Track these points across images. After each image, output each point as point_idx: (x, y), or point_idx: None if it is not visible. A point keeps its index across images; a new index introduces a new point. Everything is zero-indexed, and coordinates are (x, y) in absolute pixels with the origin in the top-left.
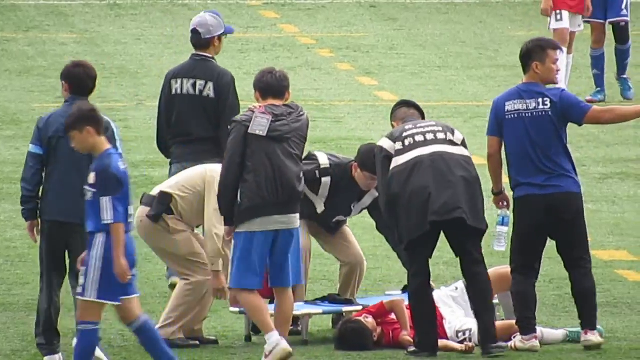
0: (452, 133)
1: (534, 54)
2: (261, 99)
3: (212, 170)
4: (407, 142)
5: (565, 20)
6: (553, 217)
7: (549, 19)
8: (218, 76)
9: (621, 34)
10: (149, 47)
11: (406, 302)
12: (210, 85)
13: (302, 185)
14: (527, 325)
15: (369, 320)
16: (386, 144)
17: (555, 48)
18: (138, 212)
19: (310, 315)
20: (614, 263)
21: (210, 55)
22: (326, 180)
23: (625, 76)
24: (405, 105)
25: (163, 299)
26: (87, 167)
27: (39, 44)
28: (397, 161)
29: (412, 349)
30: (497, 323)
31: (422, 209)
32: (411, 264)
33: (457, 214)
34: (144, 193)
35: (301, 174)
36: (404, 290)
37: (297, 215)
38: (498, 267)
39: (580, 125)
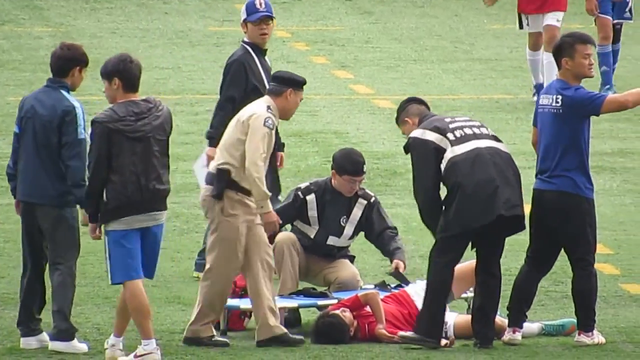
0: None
1: (563, 49)
2: (123, 90)
3: (250, 117)
4: (457, 134)
5: (532, 25)
6: (545, 214)
7: (519, 19)
8: (227, 59)
9: (615, 34)
10: (125, 40)
11: (381, 296)
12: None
13: (164, 182)
14: (512, 317)
15: (347, 315)
16: (432, 136)
17: (585, 42)
18: (203, 191)
19: (285, 309)
20: None
21: (245, 40)
22: (310, 197)
23: (608, 86)
24: (416, 102)
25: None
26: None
27: (14, 38)
28: (454, 151)
29: (410, 334)
30: (465, 317)
31: (489, 200)
32: (447, 253)
33: (518, 212)
34: (208, 171)
35: (165, 171)
36: (376, 285)
37: (163, 212)
38: (472, 261)
39: (598, 115)
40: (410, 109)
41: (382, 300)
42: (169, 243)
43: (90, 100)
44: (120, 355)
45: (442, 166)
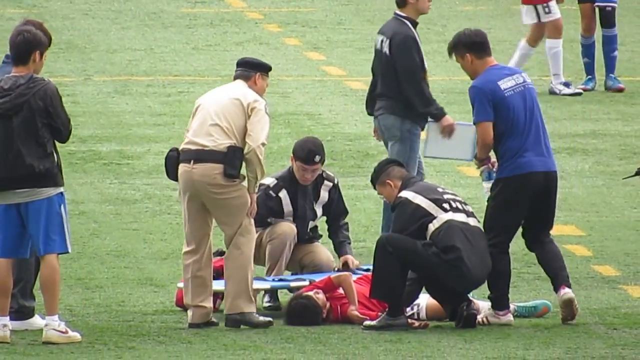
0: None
1: None
2: (13, 65)
3: (254, 102)
4: (453, 205)
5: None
6: (544, 194)
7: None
8: (393, 34)
9: (607, 18)
10: (97, 22)
11: (354, 278)
12: (387, 42)
13: (27, 160)
14: (503, 302)
15: (320, 296)
16: (424, 202)
17: None
18: (204, 169)
19: (258, 291)
20: (562, 238)
21: (402, 14)
22: (283, 193)
23: (613, 75)
24: (396, 164)
25: (111, 275)
26: None
27: None
28: (453, 216)
29: (375, 322)
30: (433, 303)
31: (461, 273)
32: (399, 239)
33: (476, 288)
34: (179, 149)
35: (34, 149)
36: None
37: (39, 189)
38: None
39: None
40: (393, 172)
41: (354, 281)
42: (142, 224)
43: (62, 81)
44: (53, 335)
45: (433, 224)
